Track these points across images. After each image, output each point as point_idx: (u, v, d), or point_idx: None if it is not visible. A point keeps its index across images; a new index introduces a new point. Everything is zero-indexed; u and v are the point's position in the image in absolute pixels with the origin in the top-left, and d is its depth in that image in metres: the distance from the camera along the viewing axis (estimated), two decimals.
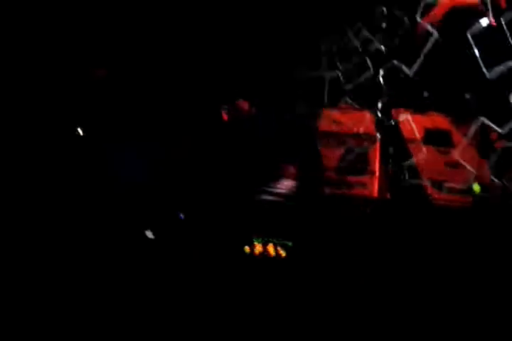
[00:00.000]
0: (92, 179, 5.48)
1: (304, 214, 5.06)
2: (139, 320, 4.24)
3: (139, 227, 5.28)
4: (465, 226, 4.44)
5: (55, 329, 4.09)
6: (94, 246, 5.05)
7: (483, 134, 4.53)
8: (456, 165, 4.63)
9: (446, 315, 4.07)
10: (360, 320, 4.20)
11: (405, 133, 4.89)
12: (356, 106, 5.17)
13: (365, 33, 5.13)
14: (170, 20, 5.69)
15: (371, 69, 5.06)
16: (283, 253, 4.97)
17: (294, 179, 5.28)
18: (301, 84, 5.42)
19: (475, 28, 4.51)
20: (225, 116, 5.74)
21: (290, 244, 5.00)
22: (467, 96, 4.60)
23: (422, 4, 4.76)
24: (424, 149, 4.79)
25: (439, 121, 4.74)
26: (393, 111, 4.95)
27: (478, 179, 4.54)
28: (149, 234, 5.30)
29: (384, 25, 5.03)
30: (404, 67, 4.85)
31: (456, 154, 4.61)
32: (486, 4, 4.47)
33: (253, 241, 5.08)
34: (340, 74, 5.27)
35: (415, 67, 4.78)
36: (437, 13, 4.69)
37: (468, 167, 4.55)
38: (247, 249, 5.05)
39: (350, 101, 5.19)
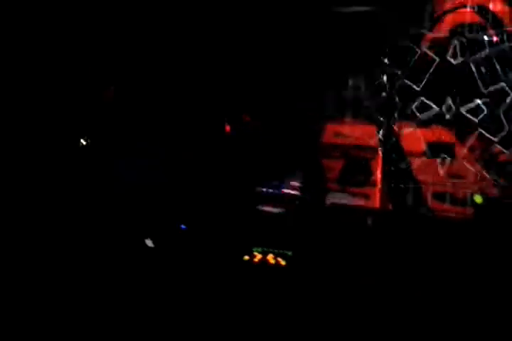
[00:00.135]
0: (99, 187, 5.52)
1: (305, 224, 5.06)
2: (140, 327, 4.18)
3: (140, 235, 5.28)
4: (467, 237, 4.46)
5: (55, 329, 4.03)
6: (96, 251, 5.03)
7: (485, 147, 4.61)
8: (458, 177, 4.68)
9: (449, 325, 4.04)
10: (359, 329, 4.16)
11: (407, 146, 4.95)
12: (359, 119, 5.24)
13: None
14: (182, 35, 5.78)
15: (377, 85, 5.15)
16: (283, 262, 4.96)
17: (296, 189, 5.31)
18: (306, 97, 5.48)
19: (477, 44, 4.65)
20: (228, 128, 5.79)
21: (290, 253, 4.99)
22: (468, 109, 4.70)
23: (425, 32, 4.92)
24: (426, 161, 4.84)
25: (442, 133, 4.80)
26: (396, 124, 5.01)
27: (480, 190, 4.59)
28: (149, 243, 5.27)
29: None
30: (409, 83, 4.96)
31: (458, 166, 4.68)
32: (487, 20, 4.61)
33: (253, 251, 5.06)
34: (344, 89, 5.35)
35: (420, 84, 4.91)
36: (442, 28, 4.82)
37: (470, 178, 4.60)
38: (246, 258, 5.04)
39: (353, 114, 5.26)
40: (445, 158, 4.78)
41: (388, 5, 4.99)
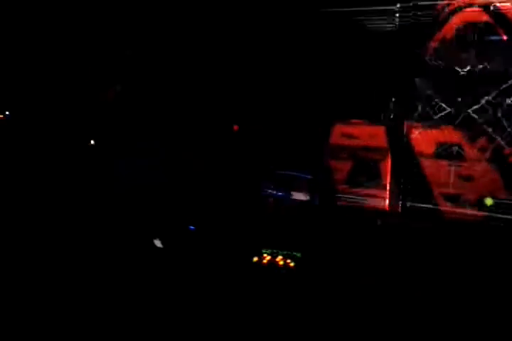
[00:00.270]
0: (99, 187, 5.52)
1: (314, 226, 5.05)
2: (147, 327, 4.20)
3: (142, 235, 5.28)
4: (477, 239, 4.44)
5: (56, 329, 4.06)
6: (97, 251, 5.05)
7: (496, 148, 4.58)
8: (468, 179, 4.66)
9: (466, 328, 4.03)
10: (370, 332, 4.16)
11: (417, 147, 4.92)
12: (368, 120, 5.20)
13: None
14: (182, 35, 5.76)
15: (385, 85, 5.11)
16: (292, 264, 4.96)
17: (305, 191, 5.29)
18: (313, 99, 5.45)
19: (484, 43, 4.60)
20: (236, 127, 5.78)
21: (299, 255, 4.99)
22: (478, 110, 4.67)
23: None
24: (436, 163, 4.81)
25: (452, 134, 4.77)
26: (405, 125, 4.98)
27: (490, 193, 4.57)
28: (158, 243, 5.27)
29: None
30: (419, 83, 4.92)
31: (468, 167, 4.65)
32: (496, 20, 4.55)
33: (262, 252, 5.06)
34: (352, 89, 5.31)
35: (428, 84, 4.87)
36: (449, 29, 4.76)
37: (481, 180, 4.57)
38: (255, 259, 5.03)
39: (361, 115, 5.23)
40: (455, 159, 4.75)
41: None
